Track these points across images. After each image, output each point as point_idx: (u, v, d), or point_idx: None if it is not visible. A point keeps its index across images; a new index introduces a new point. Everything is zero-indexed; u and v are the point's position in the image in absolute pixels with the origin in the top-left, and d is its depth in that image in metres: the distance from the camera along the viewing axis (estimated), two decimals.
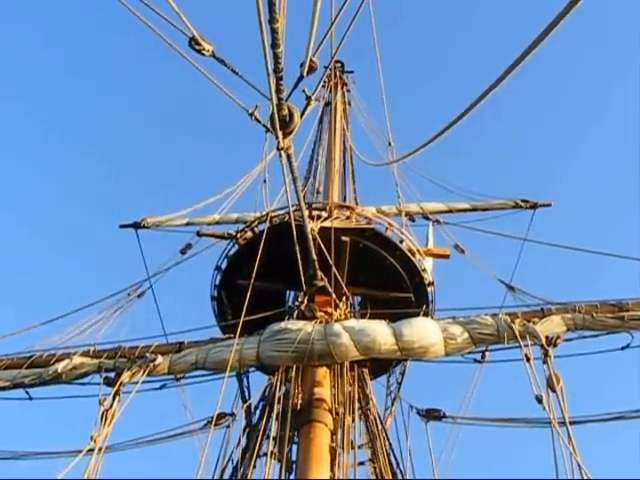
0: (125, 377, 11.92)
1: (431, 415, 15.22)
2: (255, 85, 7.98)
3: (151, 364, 12.17)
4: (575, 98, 59.45)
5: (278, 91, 8.07)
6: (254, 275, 13.21)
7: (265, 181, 17.76)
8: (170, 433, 14.09)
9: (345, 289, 15.03)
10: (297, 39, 7.80)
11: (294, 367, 13.59)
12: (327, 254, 14.49)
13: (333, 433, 12.70)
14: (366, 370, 15.43)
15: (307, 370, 13.74)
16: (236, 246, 16.75)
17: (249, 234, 16.80)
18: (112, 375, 12.19)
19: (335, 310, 14.43)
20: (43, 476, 12.52)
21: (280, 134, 8.71)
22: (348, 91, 31.39)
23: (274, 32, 6.98)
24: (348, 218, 16.68)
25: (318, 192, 24.34)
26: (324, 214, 16.28)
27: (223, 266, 16.71)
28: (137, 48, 53.90)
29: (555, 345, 11.60)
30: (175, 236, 20.70)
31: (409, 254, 16.31)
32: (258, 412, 14.20)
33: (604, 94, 56.68)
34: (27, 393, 12.67)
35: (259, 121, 8.72)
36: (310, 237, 13.30)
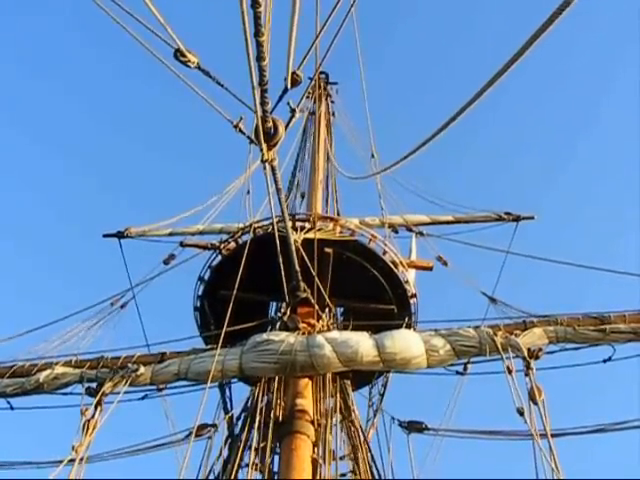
0: (107, 387, 11.88)
1: (413, 427, 15.27)
2: (240, 97, 8.01)
3: (133, 374, 12.13)
4: (562, 111, 59.77)
5: (263, 103, 8.10)
6: (237, 286, 13.18)
7: (249, 192, 17.79)
8: (152, 444, 14.05)
9: (328, 300, 15.06)
10: (283, 51, 7.82)
11: (276, 378, 13.61)
12: (310, 265, 14.52)
13: (315, 444, 12.68)
14: (348, 382, 15.38)
15: (289, 381, 13.75)
16: (219, 257, 16.75)
17: (232, 245, 16.80)
18: (94, 385, 12.13)
19: (318, 321, 14.44)
20: None
21: (264, 146, 8.73)
22: (332, 102, 31.50)
23: (259, 45, 7.01)
24: (332, 229, 16.70)
25: (303, 197, 24.45)
26: (307, 225, 16.30)
27: (206, 277, 16.70)
28: (121, 60, 53.86)
29: (537, 357, 11.61)
30: (159, 246, 20.68)
31: (392, 266, 16.34)
32: (240, 423, 14.16)
33: (592, 107, 57.01)
34: (9, 403, 12.61)
35: (243, 133, 8.74)
36: (293, 248, 13.32)
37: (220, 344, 12.06)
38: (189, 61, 7.36)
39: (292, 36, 7.42)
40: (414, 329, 14.77)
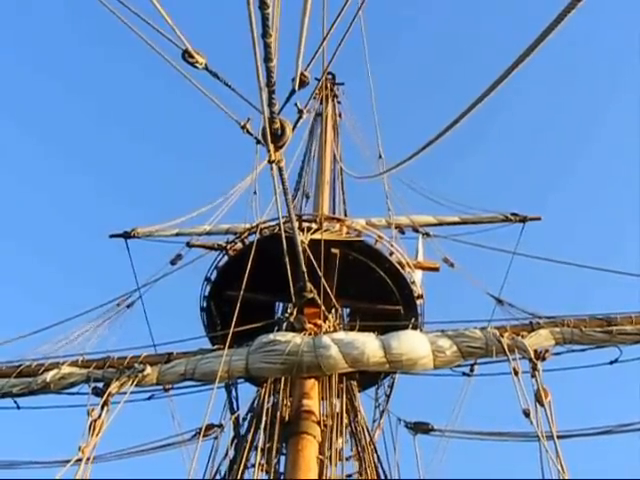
0: (114, 387, 11.87)
1: (419, 428, 15.29)
2: (247, 98, 8.01)
3: (140, 374, 12.12)
4: (569, 113, 59.65)
5: (270, 104, 8.09)
6: (243, 286, 13.17)
7: (255, 192, 17.79)
8: (158, 444, 14.12)
9: (334, 301, 15.04)
10: (290, 52, 7.82)
11: (282, 379, 13.63)
12: (317, 266, 14.50)
13: (321, 445, 12.70)
14: (354, 382, 15.39)
15: (295, 382, 13.76)
16: (226, 257, 16.74)
17: (239, 245, 16.80)
18: (101, 385, 12.12)
19: (324, 322, 14.45)
20: None
21: (272, 147, 8.73)
22: (339, 103, 31.36)
23: (267, 46, 7.00)
24: (338, 230, 16.69)
25: (308, 198, 24.46)
26: (314, 226, 16.30)
27: (212, 277, 16.70)
28: (128, 60, 53.62)
29: (544, 359, 11.59)
30: (165, 247, 20.68)
31: (399, 267, 16.33)
32: (246, 423, 14.19)
33: (599, 109, 56.94)
34: (15, 402, 12.61)
35: (251, 134, 8.74)
36: (300, 249, 13.30)
37: (227, 345, 12.08)
38: (197, 62, 7.37)
39: (302, 38, 7.41)
40: (420, 330, 14.72)
